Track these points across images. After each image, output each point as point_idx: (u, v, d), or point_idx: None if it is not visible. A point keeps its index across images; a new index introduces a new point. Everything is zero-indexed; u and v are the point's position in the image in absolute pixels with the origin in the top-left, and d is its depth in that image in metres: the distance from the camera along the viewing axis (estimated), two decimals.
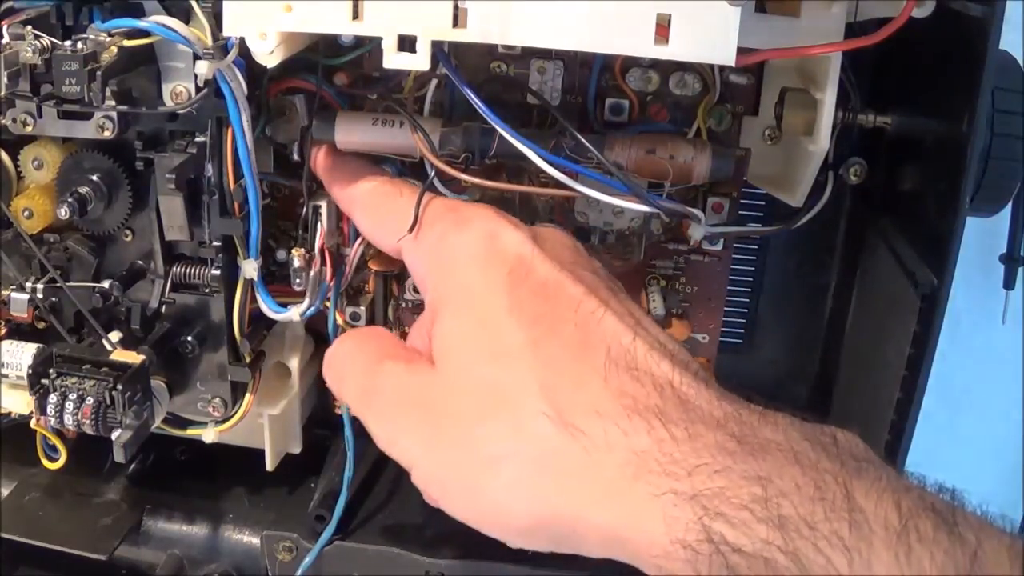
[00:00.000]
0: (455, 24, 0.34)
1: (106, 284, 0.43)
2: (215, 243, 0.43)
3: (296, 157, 0.44)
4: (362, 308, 0.49)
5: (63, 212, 0.40)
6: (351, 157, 0.43)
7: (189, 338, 0.44)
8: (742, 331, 0.54)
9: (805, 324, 0.54)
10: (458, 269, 0.33)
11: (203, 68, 0.36)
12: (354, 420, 0.49)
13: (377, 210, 0.39)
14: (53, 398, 0.40)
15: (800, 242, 0.51)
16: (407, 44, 0.34)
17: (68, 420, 0.40)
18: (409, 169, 0.46)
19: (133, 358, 0.41)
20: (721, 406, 0.28)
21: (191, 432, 0.47)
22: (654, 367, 0.29)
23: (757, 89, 0.45)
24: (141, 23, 0.37)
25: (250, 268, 0.42)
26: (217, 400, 0.46)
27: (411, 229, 0.37)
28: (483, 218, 0.34)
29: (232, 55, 0.36)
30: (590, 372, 0.29)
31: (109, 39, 0.37)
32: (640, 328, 0.31)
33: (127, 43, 0.37)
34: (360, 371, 0.34)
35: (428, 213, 0.36)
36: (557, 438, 0.27)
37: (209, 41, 0.37)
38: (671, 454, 0.26)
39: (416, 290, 0.49)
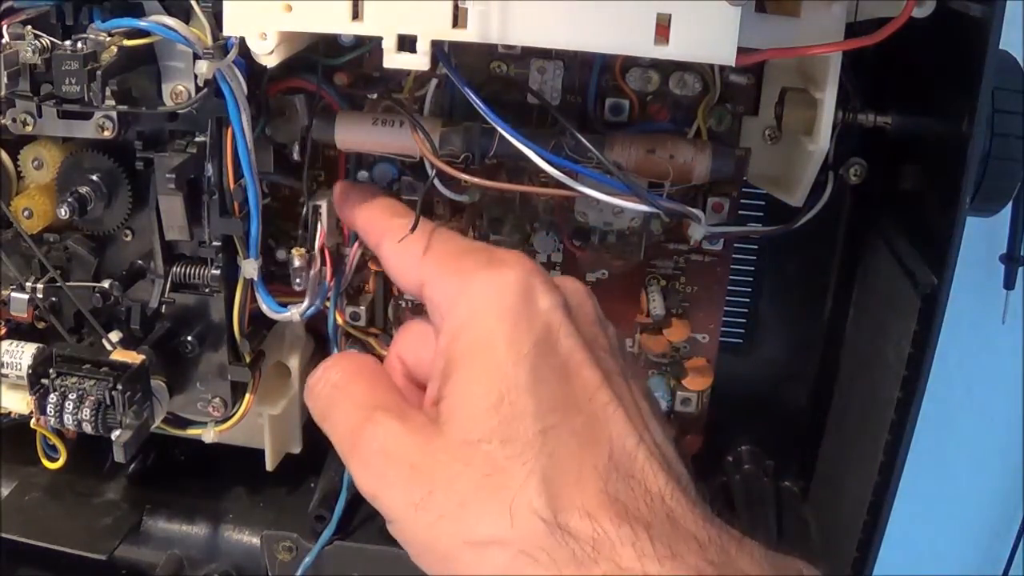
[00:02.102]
0: (455, 24, 0.34)
1: (106, 284, 0.43)
2: (215, 243, 0.43)
3: (296, 157, 0.45)
4: (362, 308, 0.49)
5: (63, 212, 0.40)
6: (377, 191, 0.42)
7: (189, 338, 0.44)
8: (742, 331, 0.54)
9: (805, 324, 0.54)
10: (483, 322, 0.31)
11: (203, 68, 0.36)
12: None
13: (405, 246, 0.36)
14: (53, 398, 0.40)
15: (800, 242, 0.51)
16: (407, 44, 0.34)
17: (68, 420, 0.40)
18: (409, 169, 0.47)
19: (133, 358, 0.41)
20: (706, 528, 0.29)
21: (191, 432, 0.47)
22: (650, 478, 0.30)
23: (757, 89, 0.45)
24: (141, 23, 0.37)
25: (250, 268, 0.42)
26: (217, 400, 0.46)
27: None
28: (519, 267, 0.32)
29: (232, 55, 0.36)
30: (591, 472, 0.29)
31: (109, 39, 0.37)
32: (646, 431, 0.31)
33: (127, 43, 0.37)
34: (349, 414, 0.33)
35: (458, 246, 0.35)
36: (548, 539, 0.28)
37: (209, 41, 0.37)
38: (652, 574, 0.27)
39: None
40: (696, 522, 0.29)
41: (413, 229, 0.36)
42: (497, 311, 0.31)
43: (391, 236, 0.37)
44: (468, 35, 0.34)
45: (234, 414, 0.46)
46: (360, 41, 0.43)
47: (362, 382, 0.34)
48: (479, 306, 0.32)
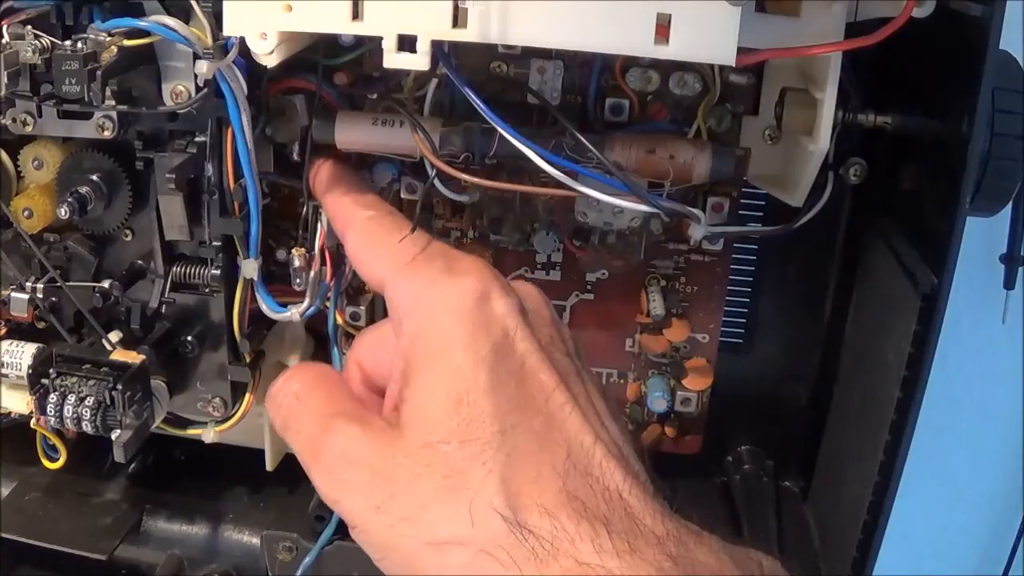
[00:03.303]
0: (455, 24, 0.34)
1: (106, 284, 0.43)
2: (215, 243, 0.43)
3: (296, 157, 0.44)
4: (362, 308, 0.49)
5: (63, 212, 0.40)
6: (352, 175, 0.42)
7: (189, 338, 0.44)
8: (742, 331, 0.54)
9: (805, 324, 0.54)
10: (442, 326, 0.32)
11: (203, 68, 0.36)
12: None
13: (371, 240, 0.38)
14: (53, 398, 0.40)
15: (800, 242, 0.51)
16: (407, 44, 0.34)
17: (68, 420, 0.40)
18: (409, 169, 0.47)
19: (133, 358, 0.41)
20: (664, 523, 0.29)
21: (191, 432, 0.47)
22: (607, 475, 0.30)
23: (757, 89, 0.45)
24: (141, 23, 0.37)
25: (250, 268, 0.42)
26: (217, 400, 0.46)
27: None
28: (476, 274, 0.33)
29: (232, 55, 0.36)
30: (549, 471, 0.30)
31: (109, 39, 0.37)
32: (603, 429, 0.32)
33: (127, 43, 0.37)
34: (310, 422, 0.34)
35: (419, 249, 0.35)
36: (507, 537, 0.28)
37: (209, 41, 0.37)
38: (611, 569, 0.27)
39: None
40: (654, 517, 0.29)
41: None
42: (456, 316, 0.32)
43: (355, 228, 0.38)
44: (468, 35, 0.34)
45: (234, 414, 0.46)
46: (360, 41, 0.43)
47: (321, 391, 0.35)
48: (438, 311, 0.32)
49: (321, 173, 0.42)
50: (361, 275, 0.38)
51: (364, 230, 0.38)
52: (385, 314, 0.50)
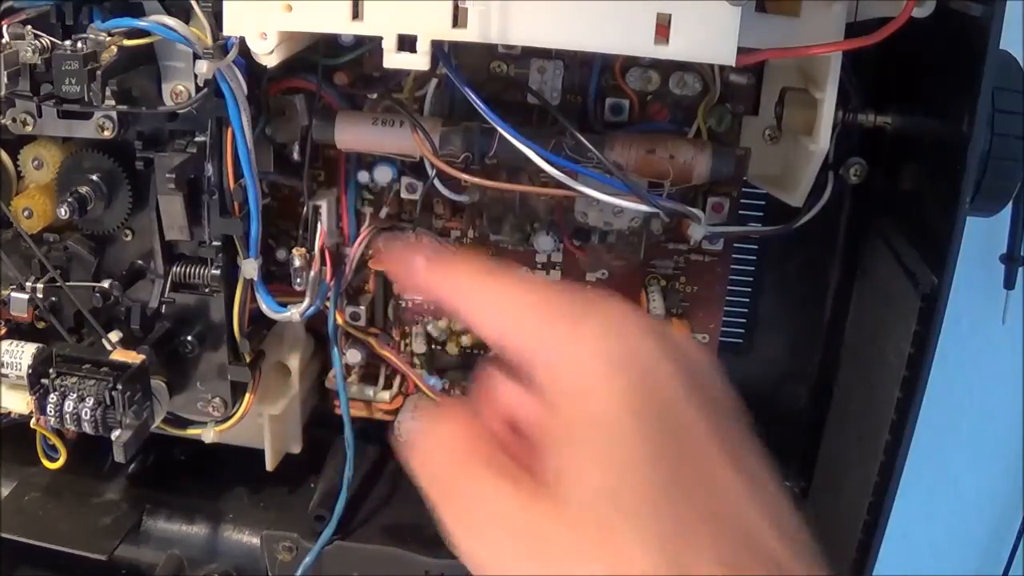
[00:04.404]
0: (455, 24, 0.34)
1: (106, 284, 0.43)
2: (215, 243, 0.43)
3: (296, 157, 0.45)
4: (362, 308, 0.49)
5: (63, 212, 0.40)
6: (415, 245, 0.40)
7: (189, 338, 0.44)
8: (742, 331, 0.54)
9: (805, 324, 0.54)
10: (590, 388, 0.30)
11: (203, 68, 0.36)
12: (354, 420, 0.49)
13: (484, 301, 0.33)
14: (53, 398, 0.40)
15: (800, 242, 0.51)
16: (407, 44, 0.34)
17: (68, 420, 0.40)
18: (409, 169, 0.47)
19: (133, 358, 0.41)
20: None
21: (191, 432, 0.47)
22: (765, 542, 0.29)
23: (757, 89, 0.45)
24: (141, 23, 0.37)
25: (250, 268, 0.42)
26: (217, 400, 0.46)
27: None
28: (626, 322, 0.31)
29: (232, 55, 0.36)
30: (708, 540, 0.29)
31: (109, 39, 0.37)
32: (761, 492, 0.31)
33: (127, 43, 0.37)
34: (450, 470, 0.31)
35: (549, 297, 0.32)
36: None
37: (209, 41, 0.37)
38: None
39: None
40: None
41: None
42: (616, 381, 0.30)
43: (465, 296, 0.33)
44: (468, 35, 0.34)
45: (234, 414, 0.46)
46: (360, 41, 0.43)
47: (460, 437, 0.32)
48: (591, 374, 0.30)
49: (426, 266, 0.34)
50: (481, 337, 0.34)
51: (472, 295, 0.33)
52: (385, 313, 0.51)
